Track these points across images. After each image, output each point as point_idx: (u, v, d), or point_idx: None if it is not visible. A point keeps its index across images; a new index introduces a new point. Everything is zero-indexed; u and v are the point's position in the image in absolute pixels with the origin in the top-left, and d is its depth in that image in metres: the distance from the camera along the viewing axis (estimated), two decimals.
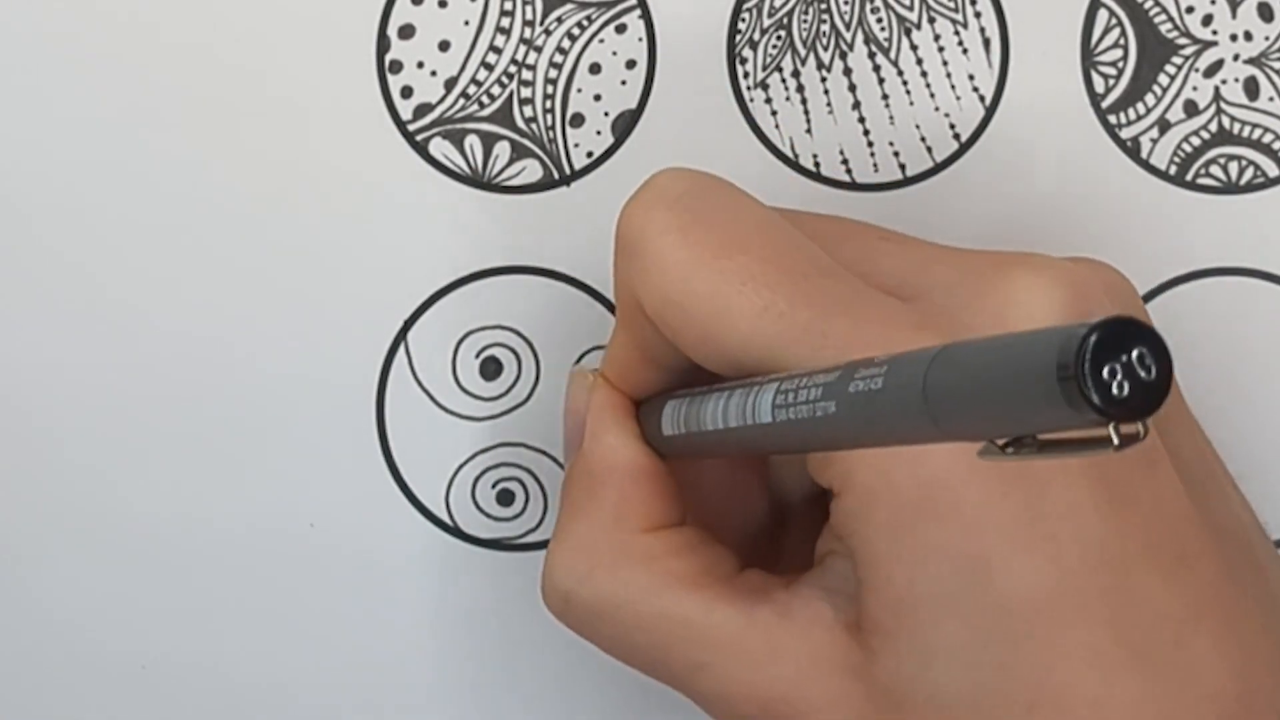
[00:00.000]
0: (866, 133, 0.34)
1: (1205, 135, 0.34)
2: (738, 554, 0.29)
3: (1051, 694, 0.24)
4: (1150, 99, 0.34)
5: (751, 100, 0.34)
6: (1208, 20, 0.34)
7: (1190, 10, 0.34)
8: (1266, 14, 0.34)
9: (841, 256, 0.27)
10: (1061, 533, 0.25)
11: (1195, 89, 0.34)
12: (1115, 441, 0.17)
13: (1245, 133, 0.34)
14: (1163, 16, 0.34)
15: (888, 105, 0.34)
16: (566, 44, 0.34)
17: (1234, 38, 0.34)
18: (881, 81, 0.34)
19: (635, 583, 0.27)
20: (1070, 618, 0.25)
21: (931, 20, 0.34)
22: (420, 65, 0.34)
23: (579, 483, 0.29)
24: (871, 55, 0.34)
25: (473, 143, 0.34)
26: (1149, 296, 0.33)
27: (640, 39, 0.34)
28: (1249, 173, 0.34)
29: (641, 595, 0.27)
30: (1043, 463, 0.24)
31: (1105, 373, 0.16)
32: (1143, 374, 0.16)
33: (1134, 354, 0.16)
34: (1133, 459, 0.25)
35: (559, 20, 0.34)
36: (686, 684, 0.27)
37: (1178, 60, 0.34)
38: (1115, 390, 0.16)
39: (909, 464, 0.25)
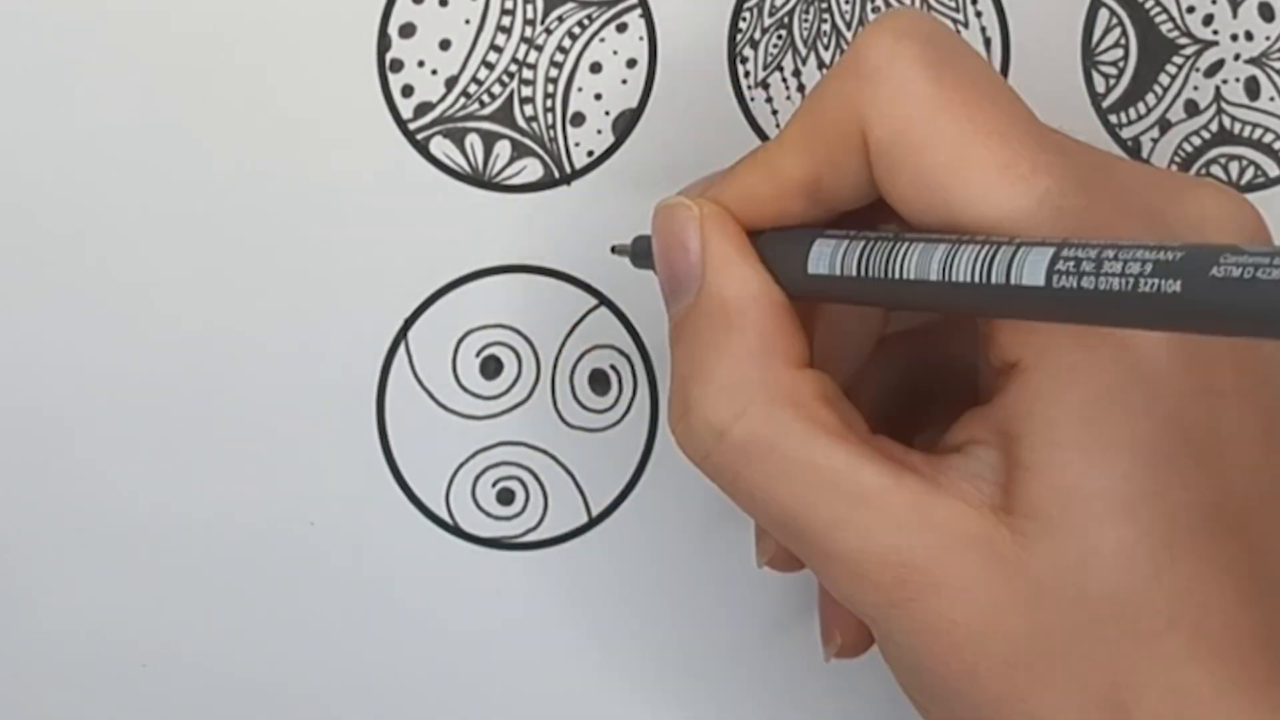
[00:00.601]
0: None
1: (1206, 135, 0.34)
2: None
3: (1193, 610, 0.25)
4: (1151, 99, 0.34)
5: (752, 99, 0.34)
6: (1208, 20, 0.34)
7: (1191, 10, 0.34)
8: (1267, 14, 0.34)
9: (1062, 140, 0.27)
10: (1231, 451, 0.25)
11: (1196, 89, 0.34)
12: None
13: (1246, 132, 0.34)
14: (1163, 16, 0.34)
15: None
16: (567, 43, 0.34)
17: (1235, 37, 0.34)
18: None
19: (788, 426, 0.26)
20: (1226, 536, 0.25)
21: None
22: (421, 64, 0.34)
23: (710, 319, 0.27)
24: None
25: (473, 141, 0.34)
26: None
27: (641, 38, 0.34)
28: (1249, 173, 0.34)
29: (794, 440, 0.26)
30: (1224, 382, 0.25)
31: None
32: None
33: None
34: (1276, 406, 0.26)
35: (560, 19, 0.34)
36: (823, 540, 0.26)
37: (1178, 60, 0.34)
38: None
39: (1117, 348, 0.24)
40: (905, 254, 0.25)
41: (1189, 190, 0.27)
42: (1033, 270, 0.23)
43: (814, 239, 0.27)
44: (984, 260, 0.24)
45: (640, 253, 0.30)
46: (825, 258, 0.26)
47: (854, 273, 0.26)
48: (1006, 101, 0.26)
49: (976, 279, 0.24)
